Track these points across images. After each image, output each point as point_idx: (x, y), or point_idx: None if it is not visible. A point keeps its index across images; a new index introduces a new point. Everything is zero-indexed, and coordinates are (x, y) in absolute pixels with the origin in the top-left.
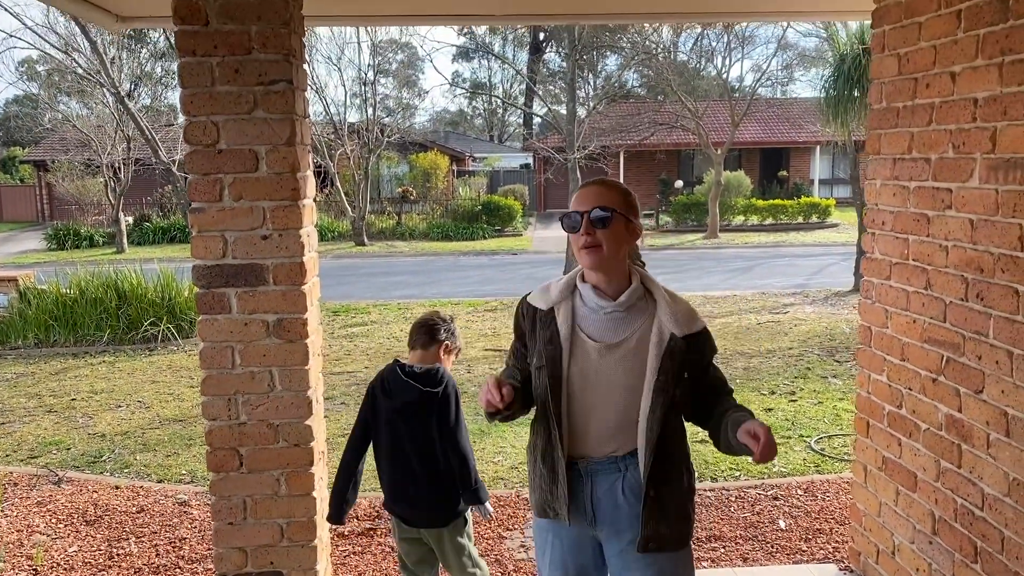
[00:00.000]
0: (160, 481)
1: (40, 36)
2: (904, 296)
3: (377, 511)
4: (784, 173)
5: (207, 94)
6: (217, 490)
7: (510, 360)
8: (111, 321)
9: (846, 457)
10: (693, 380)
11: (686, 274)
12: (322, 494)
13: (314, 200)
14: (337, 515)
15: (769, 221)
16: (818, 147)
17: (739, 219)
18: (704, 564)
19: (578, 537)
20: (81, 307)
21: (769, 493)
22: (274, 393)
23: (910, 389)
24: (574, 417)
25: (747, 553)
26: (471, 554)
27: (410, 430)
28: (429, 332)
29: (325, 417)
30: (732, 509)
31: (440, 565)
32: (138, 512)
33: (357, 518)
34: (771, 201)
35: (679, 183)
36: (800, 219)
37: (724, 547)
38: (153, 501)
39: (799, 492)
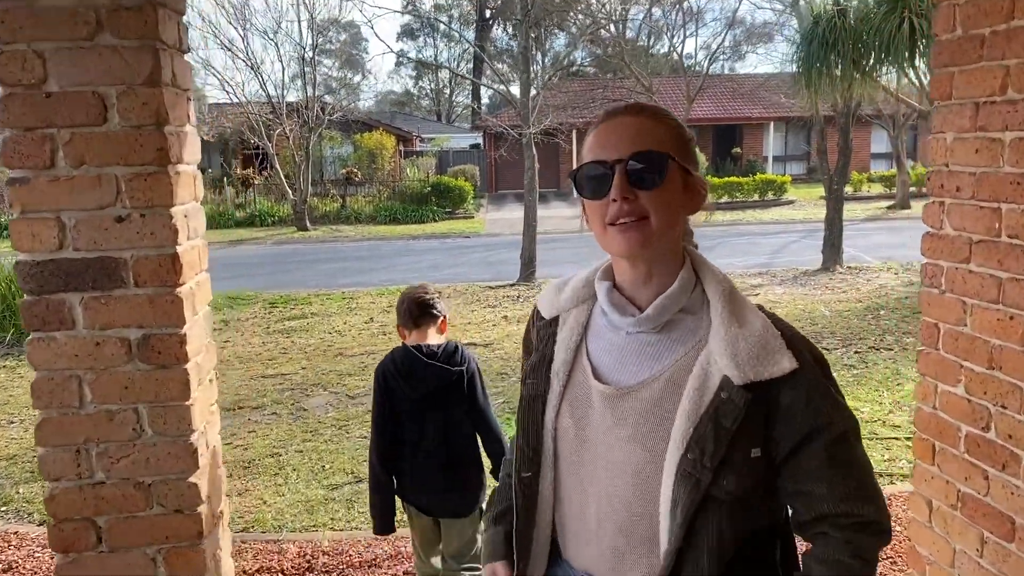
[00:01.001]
0: (41, 523)
1: None
2: (994, 285)
3: (309, 560)
4: (738, 150)
5: (25, 10)
6: None
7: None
8: (15, 319)
9: None
10: (770, 467)
11: None
12: (223, 573)
13: (200, 168)
14: (385, 526)
15: (725, 199)
16: (771, 123)
17: None
18: None
19: None
20: None
21: None
22: (143, 440)
23: (1003, 407)
24: (560, 503)
25: None
26: (478, 550)
27: (438, 416)
28: (431, 307)
29: (251, 432)
30: None
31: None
32: (4, 572)
33: (282, 572)
34: (726, 179)
35: None
36: (756, 196)
37: None
38: (26, 555)
39: None
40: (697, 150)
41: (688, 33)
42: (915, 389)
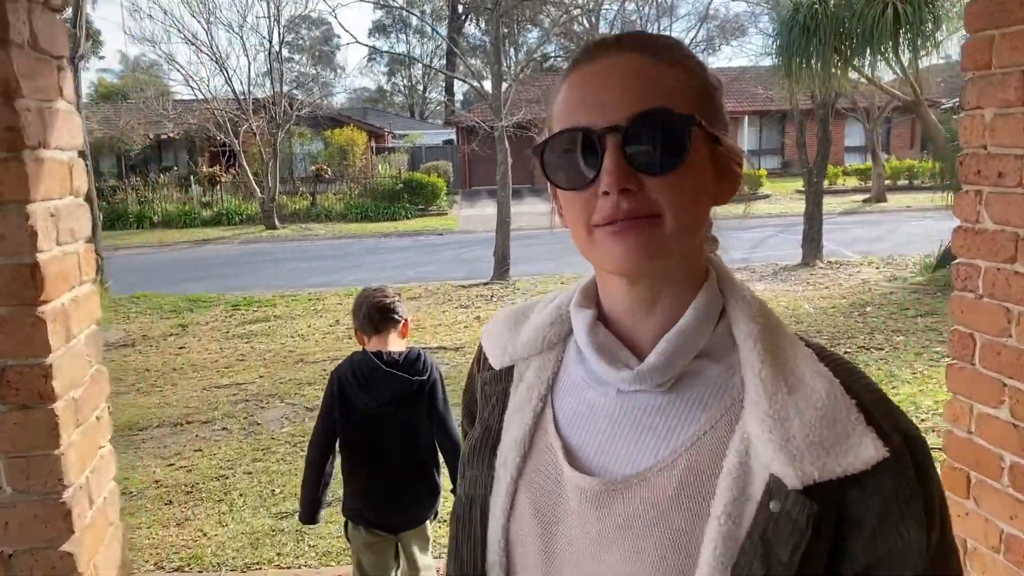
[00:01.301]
0: None
1: None
2: None
3: None
4: None
5: None
6: None
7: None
8: None
9: None
10: None
11: None
12: None
13: (80, 155)
14: (311, 514)
15: None
16: (746, 117)
17: None
18: None
19: None
20: None
21: None
22: (1, 500)
23: None
24: None
25: None
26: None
27: (396, 424)
28: (392, 311)
29: (198, 451)
30: None
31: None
32: None
33: None
34: None
35: None
36: None
37: None
38: None
39: None
40: None
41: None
42: (945, 408)
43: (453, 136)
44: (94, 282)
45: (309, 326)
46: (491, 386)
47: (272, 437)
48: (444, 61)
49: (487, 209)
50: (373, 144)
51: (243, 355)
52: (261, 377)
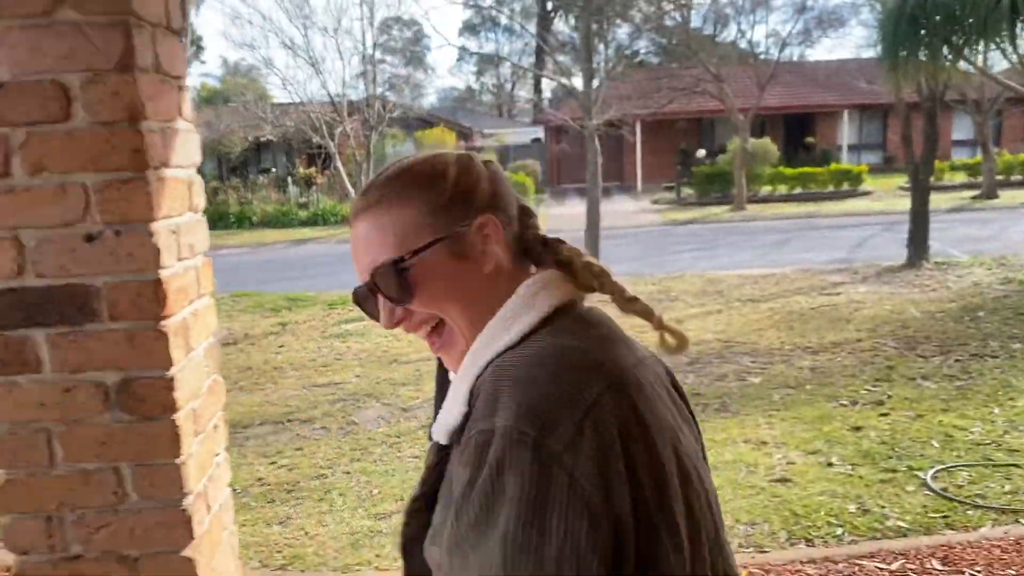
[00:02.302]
0: None
1: None
2: None
3: None
4: (811, 139)
5: None
6: None
7: None
8: None
9: (979, 502)
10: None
11: (715, 251)
12: None
13: (199, 172)
14: None
15: (798, 190)
16: (846, 111)
17: (766, 189)
18: None
19: None
20: None
21: (894, 568)
22: (126, 506)
23: None
24: None
25: None
26: None
27: None
28: None
29: (299, 449)
30: None
31: None
32: None
33: None
34: (799, 169)
35: (701, 152)
36: (831, 187)
37: None
38: None
39: (935, 564)
40: (767, 139)
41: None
42: None
43: (541, 134)
44: (209, 295)
45: None
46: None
47: (369, 437)
48: (533, 59)
49: (575, 208)
50: (462, 144)
51: (340, 354)
52: (357, 377)
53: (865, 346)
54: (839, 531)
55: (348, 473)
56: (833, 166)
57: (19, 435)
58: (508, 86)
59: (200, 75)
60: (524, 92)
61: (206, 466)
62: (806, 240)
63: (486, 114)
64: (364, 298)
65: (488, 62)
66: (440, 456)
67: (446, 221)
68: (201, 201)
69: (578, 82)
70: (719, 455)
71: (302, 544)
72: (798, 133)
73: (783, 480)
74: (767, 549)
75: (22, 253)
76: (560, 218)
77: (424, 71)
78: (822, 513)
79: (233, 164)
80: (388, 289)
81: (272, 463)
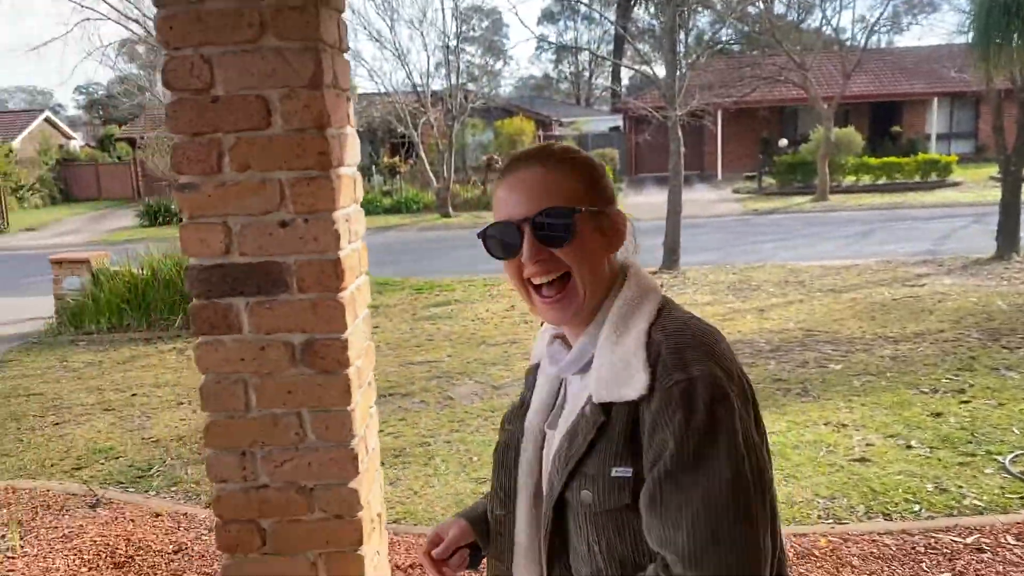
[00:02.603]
0: (208, 505)
1: (122, 13)
2: None
3: None
4: (897, 128)
5: (192, 15)
6: None
7: None
8: (185, 304)
9: None
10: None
11: (797, 241)
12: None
13: (359, 169)
14: None
15: (883, 180)
16: (935, 99)
17: (850, 179)
18: None
19: None
20: (154, 289)
21: (969, 541)
22: (306, 445)
23: None
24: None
25: None
26: None
27: None
28: None
29: (402, 420)
30: (924, 566)
31: None
32: (174, 553)
33: None
34: (885, 159)
35: (783, 142)
36: (918, 178)
37: None
38: (194, 537)
39: (1009, 540)
40: (852, 129)
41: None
42: None
43: (620, 123)
44: (367, 273)
45: (487, 310)
46: (530, 375)
47: (465, 411)
48: (612, 46)
49: (654, 196)
50: (540, 133)
51: (431, 335)
52: (449, 356)
53: (948, 336)
54: (916, 508)
55: (448, 442)
56: (921, 156)
57: (222, 384)
58: (586, 74)
59: None
60: (602, 80)
61: (365, 415)
62: (890, 231)
63: (563, 102)
64: (505, 232)
65: (566, 50)
66: (602, 415)
67: (601, 200)
68: (361, 194)
69: (659, 70)
70: (799, 436)
71: (412, 502)
72: (884, 122)
73: (862, 460)
74: (846, 521)
75: (229, 236)
76: (639, 207)
77: (503, 60)
78: (900, 491)
79: None
80: (554, 228)
81: (380, 431)
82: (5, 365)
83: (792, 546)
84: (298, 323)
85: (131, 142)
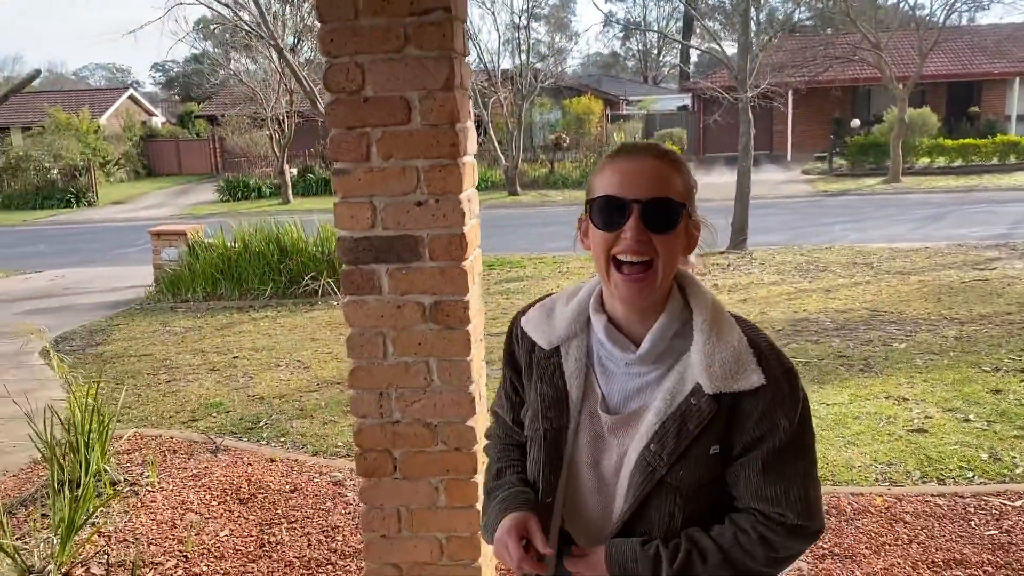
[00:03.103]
0: (315, 453)
1: None
2: None
3: None
4: (975, 109)
5: (349, 29)
6: (368, 498)
7: (501, 409)
8: (273, 275)
9: None
10: (726, 463)
11: (867, 222)
12: None
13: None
14: None
15: (959, 163)
16: (1017, 79)
17: (924, 161)
18: None
19: None
20: (245, 261)
21: (1018, 505)
22: (431, 388)
23: None
24: (577, 507)
25: None
26: None
27: None
28: None
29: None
30: (972, 524)
31: None
32: (291, 491)
33: None
34: (961, 141)
35: (855, 122)
36: (995, 160)
37: (970, 575)
38: (307, 479)
39: None
40: (927, 109)
41: None
42: None
43: (688, 102)
44: (479, 247)
45: (558, 286)
46: (547, 360)
47: None
48: (680, 23)
49: (723, 177)
50: (608, 112)
51: (505, 309)
52: None
53: (1015, 319)
54: (970, 474)
55: None
56: (999, 137)
57: (365, 336)
58: (654, 52)
59: None
60: (670, 58)
61: (479, 366)
62: (963, 215)
63: (631, 81)
64: (615, 207)
65: (635, 28)
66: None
67: (693, 206)
68: (476, 178)
69: (729, 49)
70: (861, 407)
71: None
72: (962, 103)
73: (920, 431)
74: (901, 485)
75: (375, 213)
76: (707, 188)
77: (570, 38)
78: (955, 459)
79: None
80: (662, 216)
81: None
82: (114, 328)
83: (849, 504)
84: (428, 286)
85: (210, 119)
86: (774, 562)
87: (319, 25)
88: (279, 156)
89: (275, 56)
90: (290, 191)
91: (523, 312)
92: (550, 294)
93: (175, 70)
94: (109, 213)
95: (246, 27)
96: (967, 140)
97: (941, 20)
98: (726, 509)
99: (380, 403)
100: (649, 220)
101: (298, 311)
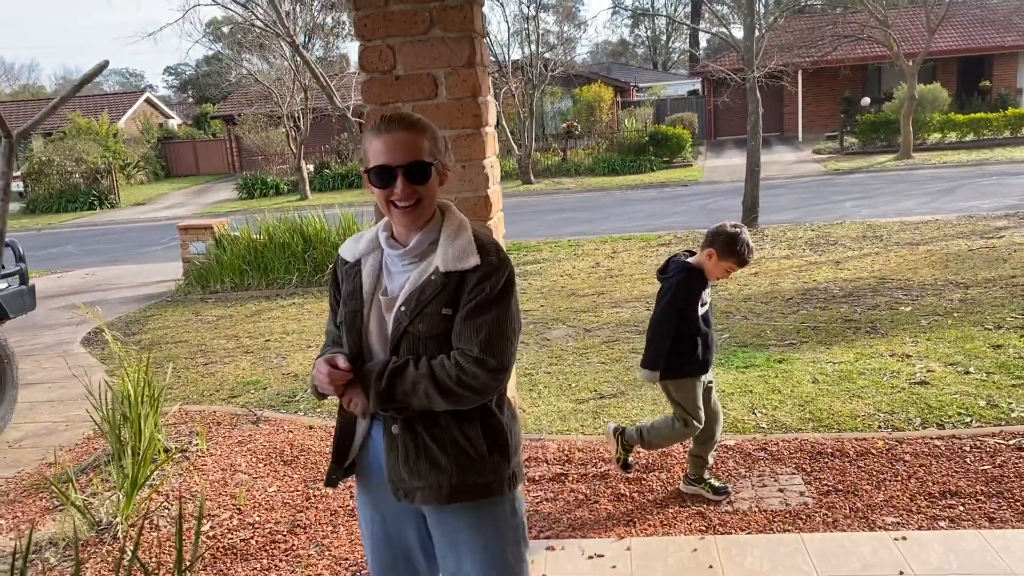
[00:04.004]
0: None
1: None
2: None
3: (567, 455)
4: (986, 83)
5: (380, 15)
6: None
7: (331, 323)
8: (298, 264)
9: None
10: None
11: (878, 199)
12: None
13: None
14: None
15: (970, 137)
16: None
17: (935, 137)
18: (941, 523)
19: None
20: (271, 252)
21: (1011, 443)
22: None
23: None
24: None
25: (993, 513)
26: None
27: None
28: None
29: None
30: (968, 460)
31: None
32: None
33: (547, 462)
34: (972, 115)
35: (865, 100)
36: (1007, 134)
37: (963, 505)
38: None
39: None
40: (938, 85)
41: None
42: None
43: (698, 86)
44: (501, 210)
45: (574, 267)
46: (351, 269)
47: (561, 349)
48: (689, 8)
49: (733, 159)
50: (619, 99)
51: (523, 289)
52: (542, 306)
53: (1019, 282)
54: (967, 420)
55: (548, 373)
56: (1011, 111)
57: None
58: (663, 38)
59: None
60: (679, 44)
61: None
62: (975, 188)
63: (640, 68)
64: (386, 173)
65: (644, 15)
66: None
67: (440, 154)
68: (496, 147)
69: (737, 32)
70: (866, 364)
71: (523, 418)
72: (972, 77)
73: (922, 383)
74: (902, 430)
75: None
76: (717, 170)
77: (577, 26)
78: (954, 407)
79: None
80: (421, 173)
81: None
82: (148, 319)
83: (852, 447)
84: None
85: (226, 119)
86: (462, 383)
87: (327, 23)
88: (296, 153)
89: (289, 53)
90: (308, 187)
91: (341, 246)
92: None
93: (187, 73)
94: (132, 214)
95: (260, 25)
96: (978, 115)
97: None
98: None
99: None
100: (410, 177)
101: (323, 297)
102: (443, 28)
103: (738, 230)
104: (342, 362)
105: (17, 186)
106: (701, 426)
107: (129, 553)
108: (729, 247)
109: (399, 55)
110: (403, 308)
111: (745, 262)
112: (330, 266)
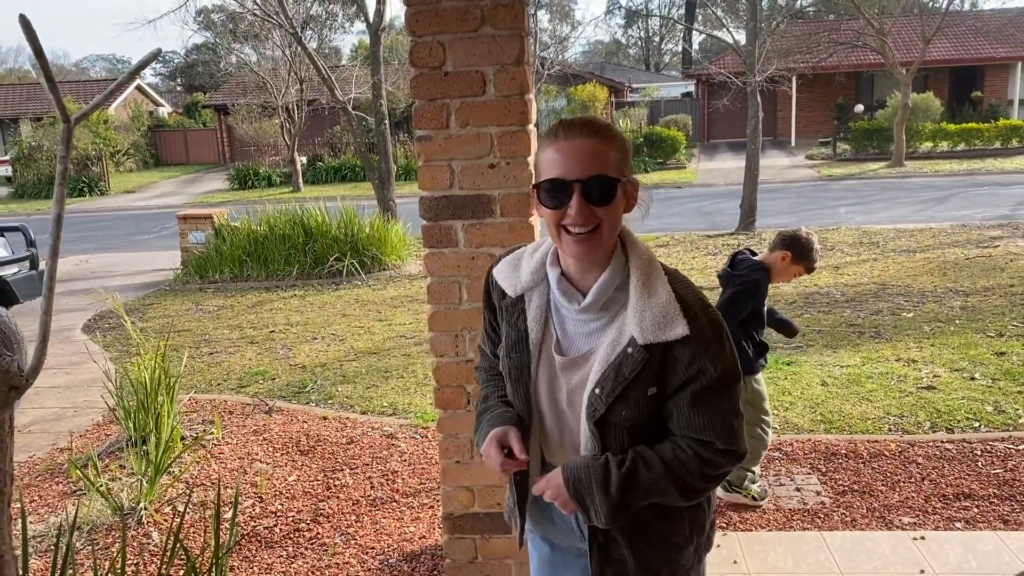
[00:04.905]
0: (364, 413)
1: None
2: None
3: None
4: (978, 94)
5: (432, 11)
6: (444, 428)
7: (485, 345)
8: (299, 257)
9: None
10: (662, 401)
11: (871, 205)
12: None
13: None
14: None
15: (961, 147)
16: (1020, 63)
17: (927, 146)
18: (957, 525)
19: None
20: (271, 243)
21: (1021, 448)
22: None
23: None
24: (546, 434)
25: (1007, 515)
26: None
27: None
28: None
29: None
30: (980, 464)
31: None
32: (348, 443)
33: None
34: (963, 125)
35: (859, 107)
36: (998, 144)
37: (977, 507)
38: (361, 433)
39: None
40: (930, 94)
41: None
42: None
43: (691, 88)
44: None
45: None
46: (513, 307)
47: None
48: (682, 11)
49: (727, 162)
50: (613, 99)
51: None
52: None
53: (1017, 291)
54: (976, 424)
55: None
56: (1002, 122)
57: (443, 284)
58: (656, 39)
59: (358, 33)
60: (672, 45)
61: None
62: (966, 197)
63: (634, 68)
64: (560, 191)
65: (638, 15)
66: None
67: (629, 170)
68: (535, 144)
69: (734, 36)
70: (873, 368)
71: None
72: (965, 87)
73: (929, 388)
74: (912, 433)
75: (453, 175)
76: (711, 172)
77: (571, 26)
78: (962, 412)
79: (397, 120)
80: (599, 192)
81: None
82: (149, 307)
83: (865, 448)
84: (499, 239)
85: (217, 108)
86: (705, 477)
87: (321, 15)
88: (289, 145)
89: (285, 42)
90: (300, 179)
91: (495, 264)
92: (520, 246)
93: (176, 61)
94: (122, 201)
95: (260, 14)
96: (970, 124)
97: (944, 5)
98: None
99: (456, 343)
100: (589, 196)
101: (324, 290)
102: (493, 26)
103: (813, 237)
104: (517, 447)
105: (5, 171)
106: (769, 418)
107: (155, 538)
108: (805, 252)
109: (449, 51)
110: (597, 391)
111: (812, 269)
112: (341, 261)
